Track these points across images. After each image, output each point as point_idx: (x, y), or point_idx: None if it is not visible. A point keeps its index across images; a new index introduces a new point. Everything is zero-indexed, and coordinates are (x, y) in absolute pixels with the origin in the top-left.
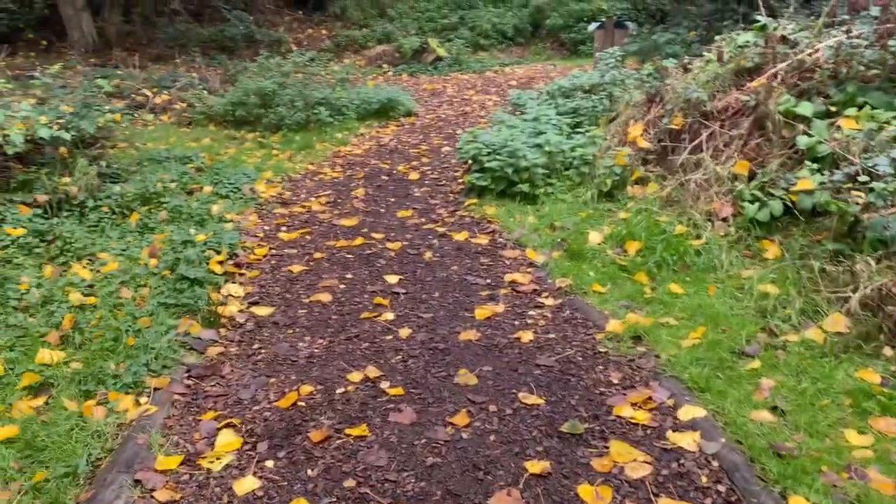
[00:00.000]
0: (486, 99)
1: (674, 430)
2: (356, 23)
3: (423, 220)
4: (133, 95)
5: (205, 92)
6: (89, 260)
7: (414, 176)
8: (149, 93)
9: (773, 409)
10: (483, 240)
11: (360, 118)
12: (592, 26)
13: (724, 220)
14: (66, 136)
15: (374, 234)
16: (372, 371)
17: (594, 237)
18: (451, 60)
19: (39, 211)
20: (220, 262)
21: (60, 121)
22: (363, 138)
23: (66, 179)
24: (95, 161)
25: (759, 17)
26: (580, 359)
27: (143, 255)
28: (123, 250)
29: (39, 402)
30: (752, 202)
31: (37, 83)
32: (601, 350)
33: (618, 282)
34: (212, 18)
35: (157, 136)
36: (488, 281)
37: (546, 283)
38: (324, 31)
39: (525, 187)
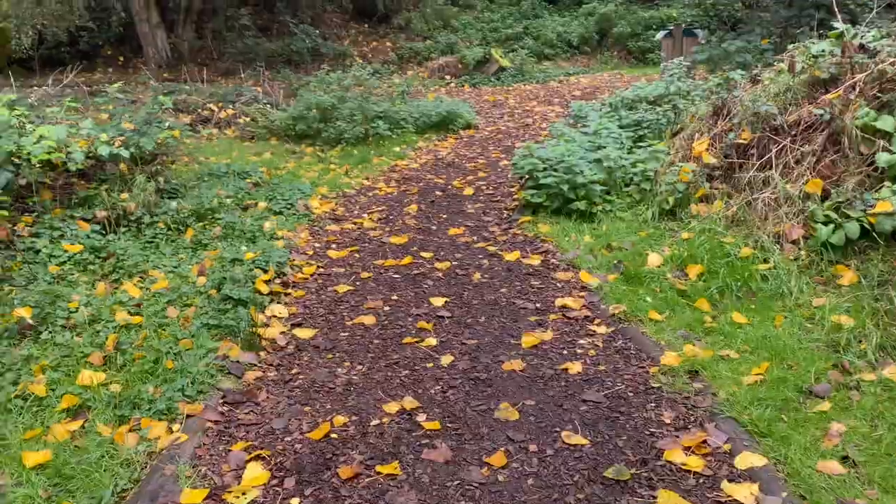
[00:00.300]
0: (548, 110)
1: (729, 481)
2: (420, 34)
3: (474, 238)
4: (199, 110)
5: (268, 106)
6: (141, 277)
7: (468, 191)
8: (214, 107)
9: (844, 458)
10: (535, 260)
11: (418, 131)
12: (660, 34)
13: (795, 242)
14: (125, 153)
15: (423, 253)
16: (409, 402)
17: (653, 259)
18: (515, 71)
19: (98, 227)
20: (267, 282)
21: (121, 138)
22: (421, 152)
23: (125, 196)
24: (154, 177)
25: (836, 24)
26: (631, 394)
27: (192, 272)
28: (175, 267)
29: (76, 425)
30: (825, 224)
31: (101, 100)
32: (654, 385)
33: (676, 309)
34: (279, 32)
35: (220, 151)
36: (538, 305)
37: (599, 308)
38: (388, 44)
39: (581, 205)
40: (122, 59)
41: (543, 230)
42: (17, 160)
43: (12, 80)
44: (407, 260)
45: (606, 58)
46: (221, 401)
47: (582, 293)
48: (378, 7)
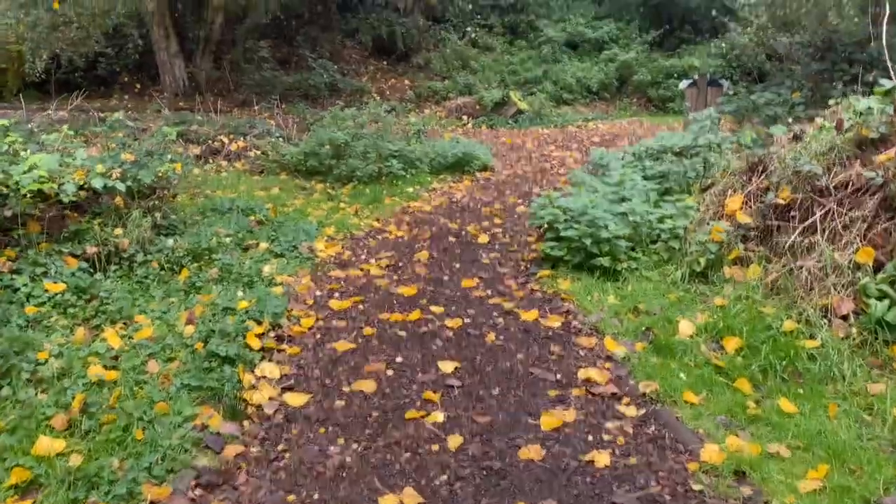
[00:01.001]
0: (566, 155)
1: None
2: (439, 74)
3: (489, 291)
4: (210, 141)
5: (280, 140)
6: (124, 323)
7: (483, 239)
8: (225, 139)
9: None
10: (555, 321)
11: (433, 172)
12: (683, 84)
13: (844, 318)
14: (122, 186)
15: (433, 307)
16: (410, 496)
17: (685, 327)
18: (533, 114)
19: (86, 265)
20: (260, 335)
21: (119, 170)
22: (435, 193)
23: (119, 231)
24: (151, 212)
25: (883, 81)
26: (668, 497)
27: (180, 320)
28: (164, 313)
29: None
30: (879, 298)
31: (101, 129)
32: (695, 487)
33: (714, 389)
34: (298, 66)
35: (228, 184)
36: (559, 376)
37: (628, 384)
38: (406, 82)
39: (605, 261)
40: (138, 86)
41: (564, 287)
42: (4, 189)
43: (23, 103)
44: (415, 315)
45: (626, 104)
46: (194, 482)
47: (608, 364)
48: (398, 45)
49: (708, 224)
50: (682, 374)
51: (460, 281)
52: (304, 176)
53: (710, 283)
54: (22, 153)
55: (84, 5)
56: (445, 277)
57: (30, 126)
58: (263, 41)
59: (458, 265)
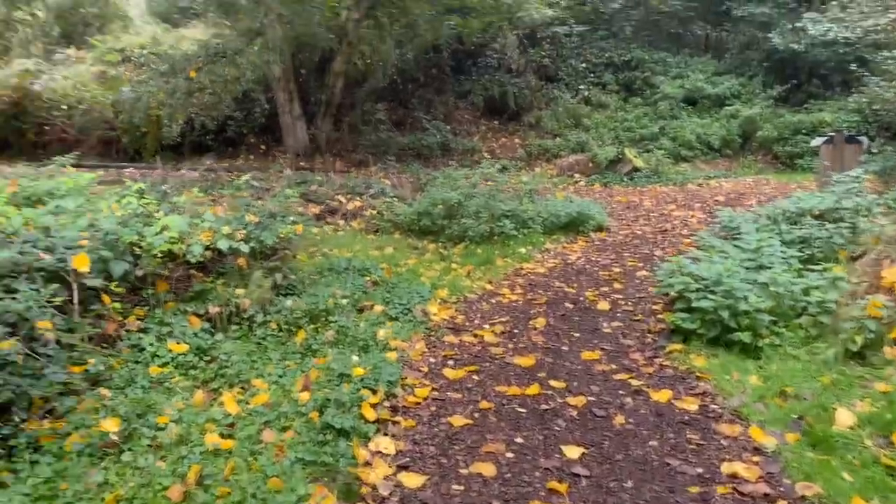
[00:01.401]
0: (688, 215)
1: None
2: (550, 132)
3: (613, 366)
4: (328, 201)
5: (395, 199)
6: (242, 387)
7: (603, 305)
8: (342, 199)
9: None
10: (691, 404)
11: (546, 231)
12: (817, 140)
13: None
14: (245, 247)
15: (552, 382)
16: None
17: (844, 417)
18: (650, 171)
19: (207, 324)
20: (375, 405)
21: (243, 231)
22: (548, 254)
23: (240, 291)
24: (271, 273)
25: None
26: None
27: (296, 386)
28: (280, 377)
29: None
30: None
31: (229, 191)
32: None
33: (890, 497)
34: (412, 127)
35: (344, 243)
36: (699, 470)
37: (782, 483)
38: (517, 140)
39: (745, 336)
40: (263, 146)
41: (698, 364)
42: (137, 250)
43: (160, 163)
44: (534, 389)
45: (750, 161)
46: None
47: (755, 457)
48: (509, 105)
49: (863, 298)
50: (845, 475)
51: (580, 352)
52: (417, 235)
53: (868, 364)
54: (155, 215)
55: (217, 73)
56: (564, 348)
57: (163, 188)
58: (380, 104)
59: (577, 334)
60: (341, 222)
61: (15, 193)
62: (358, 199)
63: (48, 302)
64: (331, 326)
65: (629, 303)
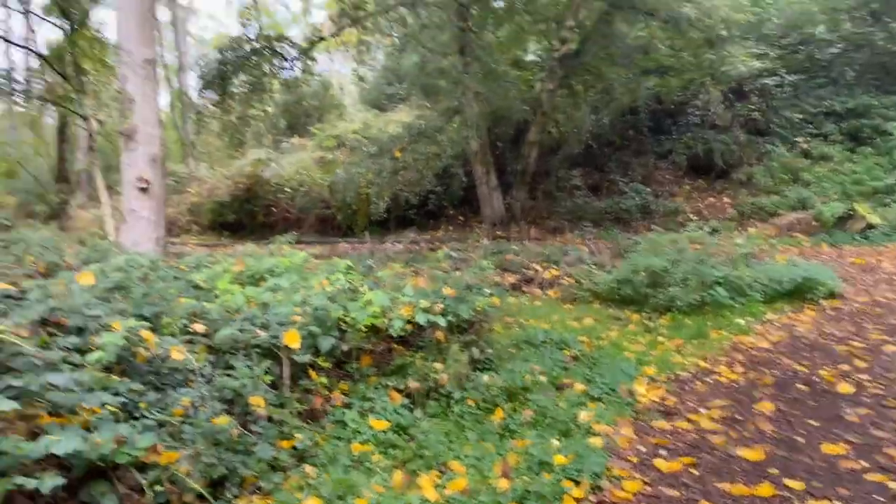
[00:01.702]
0: None
1: None
2: (763, 189)
3: (864, 463)
4: (524, 269)
5: (593, 267)
6: (440, 470)
7: (845, 388)
8: (539, 267)
9: None
10: None
11: (766, 300)
12: None
13: None
14: (443, 321)
15: (787, 481)
16: None
17: None
18: (889, 228)
19: (407, 400)
20: (579, 501)
21: (441, 305)
22: (770, 326)
23: (438, 366)
24: (468, 346)
25: None
26: None
27: (494, 471)
28: (478, 460)
29: None
30: None
31: (428, 264)
32: None
33: None
34: (609, 192)
35: (541, 314)
36: None
37: None
38: (726, 200)
39: None
40: (462, 218)
41: None
42: (343, 325)
43: (368, 237)
44: (766, 489)
45: None
46: None
47: None
48: (715, 162)
49: None
50: None
51: (819, 444)
52: (618, 305)
53: None
54: (360, 289)
55: (419, 151)
56: (799, 439)
57: (369, 262)
58: (575, 170)
59: (814, 423)
60: (538, 291)
61: (241, 272)
62: (554, 267)
63: (261, 378)
64: (529, 405)
65: (877, 384)
